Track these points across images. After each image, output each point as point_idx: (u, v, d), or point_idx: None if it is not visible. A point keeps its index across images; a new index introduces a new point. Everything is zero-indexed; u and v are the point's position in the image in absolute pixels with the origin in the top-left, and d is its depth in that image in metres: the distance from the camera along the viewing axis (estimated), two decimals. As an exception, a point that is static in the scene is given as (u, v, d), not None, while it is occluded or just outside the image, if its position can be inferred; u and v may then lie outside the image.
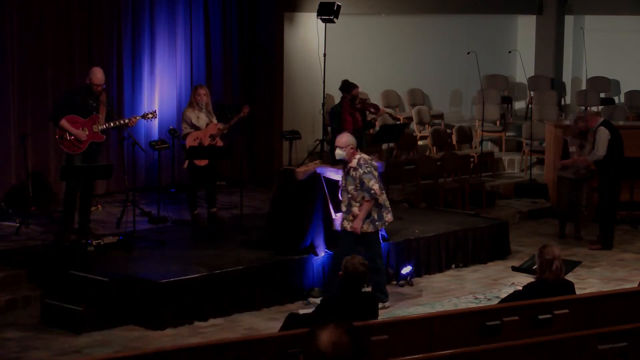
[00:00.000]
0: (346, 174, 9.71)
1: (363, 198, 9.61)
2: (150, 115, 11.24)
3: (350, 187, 9.65)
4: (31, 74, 12.26)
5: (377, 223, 9.78)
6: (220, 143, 11.70)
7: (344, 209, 9.76)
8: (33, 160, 11.98)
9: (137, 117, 11.12)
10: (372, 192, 9.56)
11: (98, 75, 10.76)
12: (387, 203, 9.91)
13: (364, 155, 9.76)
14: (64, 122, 10.66)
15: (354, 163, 9.62)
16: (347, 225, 9.73)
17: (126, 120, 11.01)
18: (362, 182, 9.58)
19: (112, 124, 10.93)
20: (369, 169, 9.60)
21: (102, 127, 10.84)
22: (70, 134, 10.69)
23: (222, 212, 12.21)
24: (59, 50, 12.55)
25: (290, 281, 10.12)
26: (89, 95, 10.79)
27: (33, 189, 11.72)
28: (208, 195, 11.86)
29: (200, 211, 11.85)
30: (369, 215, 9.68)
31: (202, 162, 11.56)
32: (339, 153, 9.64)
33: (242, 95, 14.28)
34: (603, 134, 12.30)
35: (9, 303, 9.59)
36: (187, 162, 11.58)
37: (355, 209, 9.66)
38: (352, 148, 9.63)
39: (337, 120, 12.47)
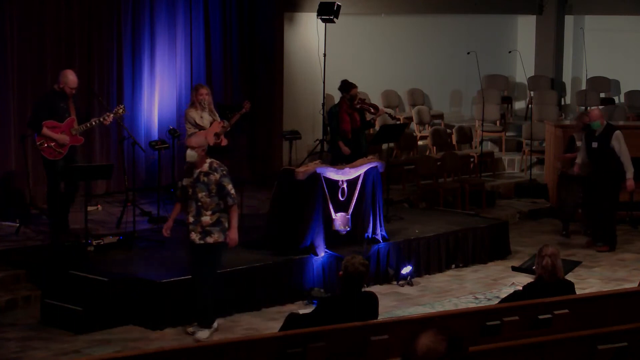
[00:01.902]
0: (196, 179, 8.80)
1: (219, 205, 8.79)
2: (120, 111, 11.14)
3: (202, 194, 8.75)
4: (31, 74, 12.26)
5: (226, 232, 8.92)
6: (225, 142, 11.68)
7: (190, 219, 8.87)
8: (33, 160, 11.97)
9: (110, 115, 11.04)
10: (233, 196, 8.81)
11: (73, 78, 10.77)
12: None
13: (214, 160, 8.94)
14: (46, 130, 10.63)
15: (205, 167, 8.78)
16: (196, 238, 8.84)
17: (100, 119, 10.97)
18: (221, 187, 8.74)
19: (88, 125, 10.91)
20: (224, 171, 8.81)
21: (80, 129, 10.82)
22: (51, 140, 10.66)
23: (222, 212, 12.19)
24: (59, 50, 12.55)
25: (290, 281, 10.12)
26: (62, 99, 10.77)
27: (33, 189, 11.72)
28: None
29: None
30: (219, 223, 8.85)
31: None
32: (190, 154, 8.75)
33: (242, 95, 14.25)
34: (622, 137, 12.24)
35: (9, 303, 9.59)
36: None
37: (207, 218, 8.78)
38: (203, 150, 8.80)
39: (335, 120, 12.49)
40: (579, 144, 12.79)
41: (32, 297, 9.70)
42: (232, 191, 8.81)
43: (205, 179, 8.76)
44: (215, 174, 8.76)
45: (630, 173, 12.20)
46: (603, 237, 12.54)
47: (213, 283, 8.95)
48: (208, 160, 8.83)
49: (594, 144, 12.30)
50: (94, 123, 10.92)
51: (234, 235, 8.89)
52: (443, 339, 3.96)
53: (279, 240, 10.35)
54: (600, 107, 17.88)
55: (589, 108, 17.17)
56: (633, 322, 6.71)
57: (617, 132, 12.26)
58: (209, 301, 8.93)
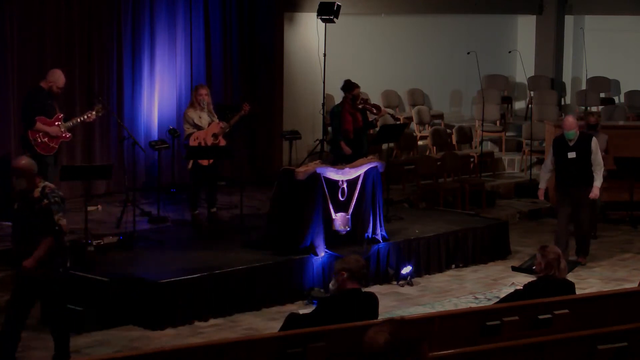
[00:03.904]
0: (26, 206, 7.84)
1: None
2: (100, 110, 11.09)
3: (37, 222, 7.77)
4: (31, 74, 12.24)
5: (61, 269, 7.92)
6: (223, 142, 11.68)
7: (20, 249, 7.90)
8: (33, 160, 11.96)
9: (93, 113, 11.03)
10: (57, 227, 7.77)
11: (63, 78, 10.78)
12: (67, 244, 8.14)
13: (49, 184, 7.96)
14: (40, 125, 10.64)
15: (37, 193, 7.79)
16: (25, 269, 7.82)
17: (84, 117, 10.99)
18: (47, 214, 7.75)
19: (73, 122, 10.92)
20: (56, 198, 7.80)
21: (67, 125, 10.84)
22: (44, 136, 10.65)
23: (222, 212, 12.21)
24: (59, 50, 12.55)
25: (290, 281, 10.12)
26: (49, 97, 10.78)
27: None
28: (209, 195, 11.86)
29: (200, 211, 11.85)
30: (53, 258, 7.83)
31: (206, 162, 11.56)
32: (18, 182, 7.87)
33: (242, 96, 14.27)
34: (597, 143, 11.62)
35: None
36: (191, 162, 11.56)
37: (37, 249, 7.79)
38: (33, 174, 7.84)
39: (338, 120, 12.51)
40: None
41: (32, 297, 9.68)
42: (61, 222, 7.77)
43: (36, 205, 7.80)
44: (45, 200, 7.77)
45: (600, 181, 11.46)
46: (584, 248, 11.82)
47: (61, 319, 8.08)
48: (41, 185, 7.85)
49: (571, 154, 11.39)
50: (78, 120, 10.95)
51: (28, 263, 7.73)
52: (385, 331, 4.07)
53: (279, 240, 10.34)
54: (600, 107, 17.92)
55: (588, 108, 17.19)
56: (633, 322, 6.72)
57: (594, 138, 11.57)
58: (59, 339, 8.09)
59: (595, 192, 11.48)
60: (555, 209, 11.98)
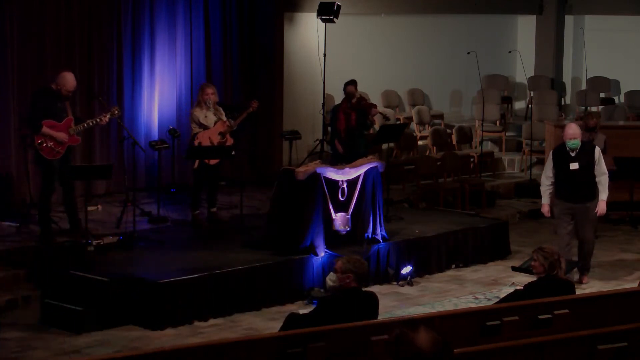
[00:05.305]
0: None
1: None
2: (116, 112, 11.07)
3: None
4: (31, 74, 12.25)
5: None
6: (230, 141, 11.67)
7: None
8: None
9: (107, 115, 10.99)
10: None
11: (72, 81, 10.69)
12: None
13: None
14: (46, 129, 10.59)
15: None
16: None
17: (97, 120, 10.93)
18: None
19: (85, 125, 10.87)
20: None
21: (77, 129, 10.80)
22: (51, 140, 10.60)
23: (222, 212, 12.21)
24: (59, 50, 12.55)
25: (290, 281, 10.12)
26: (59, 99, 10.72)
27: (33, 189, 11.72)
28: (209, 195, 11.87)
29: (200, 211, 11.86)
30: None
31: (214, 161, 11.56)
32: None
33: (242, 95, 14.28)
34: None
35: (9, 303, 9.59)
36: (197, 161, 11.55)
37: None
38: None
39: (335, 119, 12.58)
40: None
41: (32, 297, 9.70)
42: None
43: None
44: None
45: (606, 194, 10.59)
46: (587, 266, 11.04)
47: None
48: None
49: (574, 165, 10.51)
50: (90, 123, 10.89)
51: None
52: (431, 331, 4.21)
53: (279, 240, 10.34)
54: (600, 107, 17.92)
55: (588, 108, 17.19)
56: (633, 322, 6.72)
57: (597, 147, 10.78)
58: None
59: (602, 208, 10.64)
60: (554, 224, 11.03)
